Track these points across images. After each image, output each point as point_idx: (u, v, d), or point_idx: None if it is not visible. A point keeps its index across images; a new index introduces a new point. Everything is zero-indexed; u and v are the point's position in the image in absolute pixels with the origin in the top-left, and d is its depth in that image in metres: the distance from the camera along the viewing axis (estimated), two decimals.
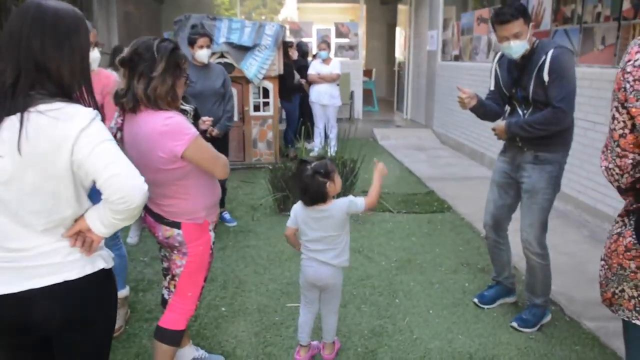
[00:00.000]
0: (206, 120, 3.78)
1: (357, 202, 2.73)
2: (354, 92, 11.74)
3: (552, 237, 3.30)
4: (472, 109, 3.28)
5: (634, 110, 1.51)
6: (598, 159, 1.70)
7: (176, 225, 2.36)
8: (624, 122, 1.56)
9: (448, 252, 4.49)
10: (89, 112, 1.53)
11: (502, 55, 3.22)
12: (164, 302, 2.58)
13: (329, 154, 5.97)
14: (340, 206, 2.70)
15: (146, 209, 2.39)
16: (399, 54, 13.41)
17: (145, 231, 2.59)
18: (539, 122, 2.99)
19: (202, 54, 4.70)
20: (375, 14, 14.77)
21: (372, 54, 15.80)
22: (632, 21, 4.70)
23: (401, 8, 12.90)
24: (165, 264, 2.55)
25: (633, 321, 1.68)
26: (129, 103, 2.21)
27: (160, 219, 2.37)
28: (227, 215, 5.12)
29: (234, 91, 6.59)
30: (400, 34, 13.39)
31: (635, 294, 1.66)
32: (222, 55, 6.98)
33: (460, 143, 8.78)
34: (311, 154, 7.29)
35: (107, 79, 2.84)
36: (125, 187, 1.52)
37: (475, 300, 3.59)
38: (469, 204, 5.63)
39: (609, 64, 4.99)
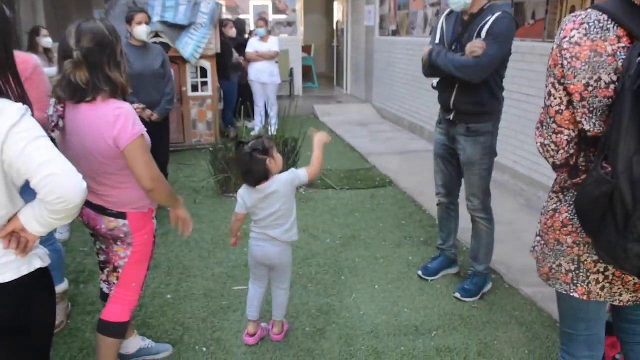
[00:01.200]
0: (136, 108, 3.64)
1: (300, 174, 2.76)
2: (294, 69, 11.65)
3: None
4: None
5: (572, 87, 1.55)
6: (532, 130, 1.75)
7: (122, 215, 2.28)
8: (560, 98, 1.60)
9: (391, 227, 4.57)
10: (19, 108, 1.42)
11: (451, 12, 3.23)
12: (104, 296, 2.51)
13: (270, 132, 5.92)
14: (284, 181, 2.70)
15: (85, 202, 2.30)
16: (338, 29, 13.37)
17: (76, 221, 2.49)
18: (455, 60, 3.00)
19: (141, 31, 4.47)
20: None
21: (310, 29, 15.66)
22: None
23: None
24: (103, 257, 2.46)
25: (571, 294, 1.75)
26: (92, 94, 2.09)
27: (103, 211, 2.28)
28: None
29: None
30: (338, 9, 13.34)
31: (573, 267, 1.72)
32: (157, 35, 6.74)
33: (400, 117, 8.89)
34: (252, 134, 7.22)
35: (25, 63, 2.58)
36: (63, 187, 1.43)
37: (420, 272, 3.68)
38: (410, 178, 5.74)
39: (539, 38, 5.13)
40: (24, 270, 1.56)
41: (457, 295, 3.39)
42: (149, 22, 4.55)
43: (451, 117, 3.21)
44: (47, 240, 2.78)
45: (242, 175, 2.73)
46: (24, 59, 2.61)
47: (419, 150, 7.15)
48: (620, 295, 1.71)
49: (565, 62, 1.54)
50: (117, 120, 2.08)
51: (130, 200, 2.28)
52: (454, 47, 3.13)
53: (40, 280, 1.62)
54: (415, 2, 8.19)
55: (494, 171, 3.31)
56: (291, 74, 11.57)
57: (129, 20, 4.48)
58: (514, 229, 4.40)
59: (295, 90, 11.76)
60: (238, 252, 3.99)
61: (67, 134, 2.17)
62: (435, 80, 3.32)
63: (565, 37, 1.55)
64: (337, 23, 13.56)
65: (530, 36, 5.26)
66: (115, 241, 2.34)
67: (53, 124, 2.14)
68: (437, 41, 3.25)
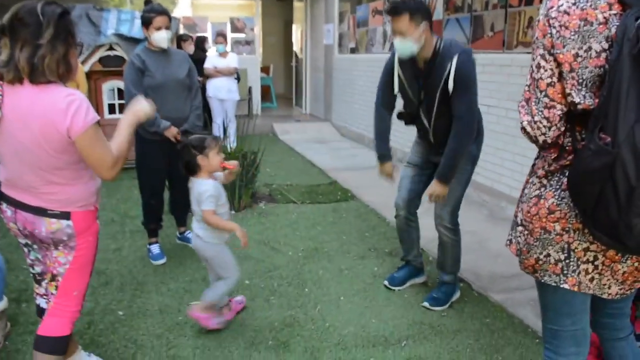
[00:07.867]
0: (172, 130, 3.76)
1: (204, 206, 2.81)
2: (252, 88, 11.53)
3: None
4: None
5: (560, 56, 1.46)
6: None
7: (65, 215, 2.07)
8: (551, 69, 1.50)
9: (355, 239, 4.43)
10: None
11: None
12: (41, 312, 2.27)
13: (228, 149, 5.74)
14: (197, 190, 2.84)
15: (17, 204, 2.08)
16: (297, 49, 13.37)
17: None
18: (457, 149, 2.93)
19: (161, 37, 3.71)
20: (271, 10, 14.61)
21: (269, 50, 15.63)
22: (517, 8, 4.88)
23: (297, 5, 12.84)
24: (39, 268, 2.24)
25: (561, 285, 1.63)
26: (9, 74, 1.90)
27: (43, 212, 2.06)
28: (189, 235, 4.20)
29: None
30: (296, 30, 13.35)
31: (562, 256, 1.60)
32: (111, 48, 6.53)
33: (360, 135, 8.85)
34: None
35: None
36: None
37: (386, 282, 3.55)
38: (373, 192, 5.63)
39: (498, 49, 5.16)
40: None
41: (426, 304, 3.27)
42: (170, 26, 3.80)
43: (433, 140, 3.13)
44: None
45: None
46: None
47: None
48: (609, 287, 1.61)
49: (554, 31, 1.45)
50: (69, 108, 1.90)
51: (77, 197, 2.08)
52: (422, 98, 3.02)
53: None
54: (374, 19, 8.22)
55: None
56: (250, 93, 11.44)
57: (146, 23, 3.71)
58: (479, 238, 4.33)
59: (254, 109, 11.62)
60: (195, 267, 3.78)
61: (7, 123, 1.95)
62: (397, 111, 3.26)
63: (552, 7, 1.47)
64: (295, 43, 13.56)
65: (489, 48, 5.29)
66: (56, 245, 2.12)
67: None
68: (396, 91, 3.13)
